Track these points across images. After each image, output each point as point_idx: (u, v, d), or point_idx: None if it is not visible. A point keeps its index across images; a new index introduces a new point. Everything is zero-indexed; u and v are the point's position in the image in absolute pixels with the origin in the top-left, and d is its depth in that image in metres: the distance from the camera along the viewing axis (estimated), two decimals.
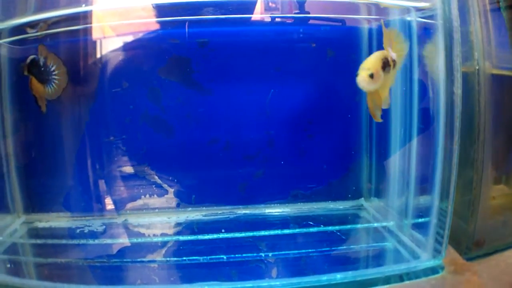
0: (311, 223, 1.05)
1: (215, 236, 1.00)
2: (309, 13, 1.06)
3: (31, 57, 0.95)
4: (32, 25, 0.96)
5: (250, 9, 1.05)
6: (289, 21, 1.10)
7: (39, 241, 1.00)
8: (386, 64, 0.80)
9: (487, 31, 0.89)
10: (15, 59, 1.01)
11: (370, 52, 1.05)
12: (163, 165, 1.10)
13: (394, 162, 0.98)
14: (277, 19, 1.09)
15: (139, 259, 0.93)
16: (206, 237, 1.00)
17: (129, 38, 1.04)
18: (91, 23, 0.99)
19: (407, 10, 0.90)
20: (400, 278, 0.82)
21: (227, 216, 1.11)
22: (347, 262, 0.91)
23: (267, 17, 1.07)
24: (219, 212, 1.11)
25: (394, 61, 0.82)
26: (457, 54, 0.80)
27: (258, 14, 1.06)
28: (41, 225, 1.07)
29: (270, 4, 1.06)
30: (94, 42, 1.02)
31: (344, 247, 0.97)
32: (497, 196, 0.97)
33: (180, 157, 1.10)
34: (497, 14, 0.95)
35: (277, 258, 0.92)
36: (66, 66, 0.99)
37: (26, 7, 0.95)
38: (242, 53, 1.06)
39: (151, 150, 1.08)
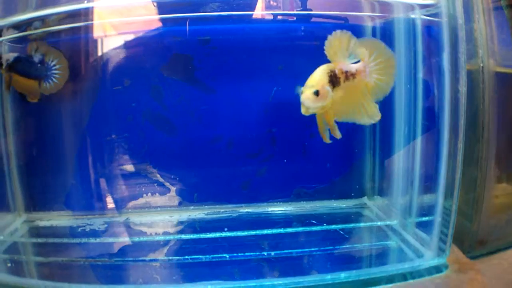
0: (314, 221, 1.05)
1: (217, 234, 0.99)
2: (311, 11, 1.05)
3: (13, 55, 0.94)
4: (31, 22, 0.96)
5: (253, 6, 1.04)
6: (291, 19, 1.09)
7: (40, 240, 0.99)
8: (333, 78, 0.71)
9: (490, 29, 0.89)
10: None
11: None
12: (165, 163, 1.09)
13: (398, 160, 0.97)
14: (279, 17, 1.09)
15: (141, 258, 0.92)
16: (208, 235, 0.99)
17: (131, 36, 1.04)
18: (93, 20, 0.99)
19: (411, 7, 0.90)
20: (404, 277, 0.82)
21: (229, 214, 1.10)
22: (350, 261, 0.91)
23: (269, 15, 1.07)
24: (222, 210, 1.11)
25: (346, 72, 0.73)
26: (462, 51, 0.79)
27: (260, 12, 1.05)
28: (42, 224, 1.06)
29: (272, 2, 1.06)
30: (96, 40, 1.02)
31: (347, 246, 0.96)
32: (500, 195, 0.97)
33: (182, 155, 1.09)
34: (500, 12, 0.95)
35: (279, 257, 0.91)
36: (68, 60, 0.98)
37: (27, 4, 0.94)
38: (244, 51, 1.06)
39: (153, 148, 1.08)
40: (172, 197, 1.11)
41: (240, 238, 0.98)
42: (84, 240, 0.98)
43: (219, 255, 0.90)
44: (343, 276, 0.80)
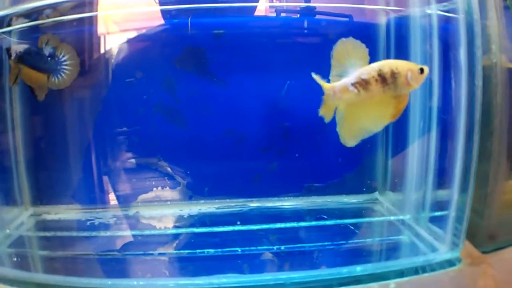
0: (324, 216, 1.05)
1: (228, 228, 0.98)
2: (326, 5, 1.05)
3: (23, 46, 0.92)
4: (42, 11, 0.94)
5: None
6: (306, 12, 1.09)
7: (47, 234, 0.97)
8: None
9: (503, 25, 0.90)
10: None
11: (387, 45, 1.05)
12: (176, 157, 1.08)
13: (413, 154, 0.97)
14: (294, 11, 1.08)
15: (150, 252, 0.91)
16: (219, 229, 0.98)
17: (144, 28, 1.03)
18: (105, 11, 0.97)
19: (427, 1, 0.90)
20: (419, 270, 0.82)
21: (240, 209, 1.09)
22: (362, 255, 0.91)
23: (283, 8, 1.06)
24: (232, 204, 1.10)
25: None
26: (478, 46, 0.80)
27: (274, 4, 1.04)
28: (49, 217, 1.05)
29: None
30: (108, 32, 1.00)
31: (359, 240, 0.96)
32: (509, 191, 0.97)
33: (193, 149, 1.09)
34: (507, 11, 0.96)
35: (290, 251, 0.91)
36: (80, 57, 0.96)
37: None
38: (257, 44, 1.05)
39: (164, 141, 1.07)
40: (182, 190, 1.10)
41: (250, 232, 0.98)
42: (93, 233, 0.97)
43: (231, 249, 0.90)
44: (359, 269, 0.80)
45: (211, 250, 0.89)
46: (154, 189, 1.09)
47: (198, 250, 0.90)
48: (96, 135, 1.04)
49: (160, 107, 1.05)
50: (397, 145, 1.05)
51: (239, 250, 0.90)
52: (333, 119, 0.75)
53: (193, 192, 1.11)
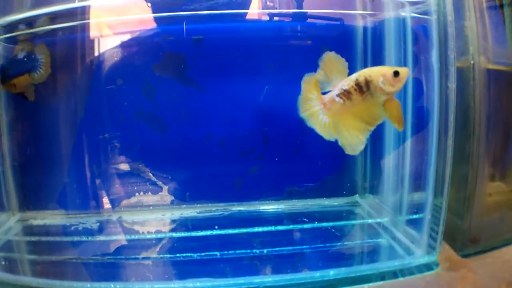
0: (305, 219, 1.05)
1: (208, 233, 0.99)
2: (303, 10, 1.05)
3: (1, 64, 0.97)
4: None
5: (245, 5, 1.05)
6: (284, 18, 1.09)
7: (33, 239, 1.00)
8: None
9: (483, 26, 0.89)
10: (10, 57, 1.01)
11: (364, 49, 1.05)
12: (157, 162, 1.09)
13: (389, 158, 0.97)
14: (272, 16, 1.09)
15: (133, 256, 0.92)
16: (200, 234, 0.99)
17: (123, 35, 1.05)
18: (85, 19, 0.99)
19: (401, 4, 0.90)
20: (394, 274, 0.82)
21: (221, 213, 1.10)
22: (341, 259, 0.91)
23: (262, 14, 1.07)
24: (214, 209, 1.11)
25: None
26: (452, 48, 0.79)
27: (253, 11, 1.05)
28: (35, 222, 1.07)
29: (269, 2, 1.06)
30: (88, 39, 1.02)
31: (339, 243, 0.96)
32: (493, 193, 0.96)
33: (174, 154, 1.10)
34: (495, 11, 0.95)
35: (271, 254, 0.91)
36: (48, 49, 0.99)
37: (22, 3, 0.95)
38: (237, 50, 1.06)
39: (146, 147, 1.08)
40: (164, 195, 1.11)
41: (232, 236, 0.98)
42: (76, 238, 0.99)
43: (211, 253, 0.90)
44: (332, 273, 0.80)
45: (194, 254, 0.90)
46: (137, 194, 1.11)
47: (180, 254, 0.91)
48: (79, 142, 1.06)
49: (141, 114, 1.07)
50: (375, 148, 1.05)
51: (218, 254, 0.90)
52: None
53: (175, 197, 1.12)
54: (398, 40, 0.91)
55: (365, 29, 1.05)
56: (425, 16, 0.83)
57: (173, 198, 1.12)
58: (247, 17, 1.07)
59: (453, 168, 0.81)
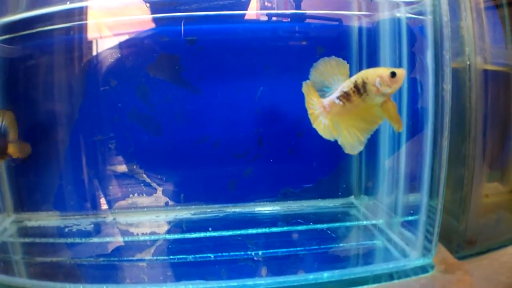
0: (300, 221, 1.04)
1: (203, 234, 0.99)
2: (298, 10, 1.05)
3: None
4: None
5: (241, 6, 1.04)
6: (279, 18, 1.09)
7: (28, 240, 0.99)
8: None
9: (480, 26, 0.88)
10: (6, 58, 1.00)
11: (360, 49, 1.04)
12: (152, 164, 1.09)
13: (384, 159, 0.97)
14: (267, 17, 1.08)
15: (127, 258, 0.92)
16: (195, 235, 0.99)
17: (118, 36, 1.04)
18: (79, 21, 0.99)
19: (396, 5, 0.89)
20: (390, 276, 0.81)
21: (216, 214, 1.10)
22: (336, 260, 0.90)
23: (256, 15, 1.07)
24: (208, 210, 1.11)
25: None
26: (447, 49, 0.79)
27: (247, 12, 1.05)
28: (30, 224, 1.06)
29: (267, 3, 1.06)
30: (82, 40, 1.02)
31: (334, 245, 0.95)
32: (490, 194, 0.96)
33: (169, 155, 1.09)
34: (493, 11, 0.94)
35: (266, 256, 0.91)
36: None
37: (17, 4, 0.95)
38: (231, 51, 1.06)
39: (140, 149, 1.08)
40: (158, 197, 1.11)
41: (226, 238, 0.98)
42: (71, 240, 0.98)
43: (205, 255, 0.90)
44: (325, 275, 0.79)
45: (188, 256, 0.89)
46: (131, 196, 1.10)
47: (175, 256, 0.91)
48: (73, 143, 1.06)
49: (135, 115, 1.06)
50: (370, 150, 1.04)
51: (212, 256, 0.90)
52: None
53: (169, 199, 1.11)
54: (393, 41, 0.91)
55: (360, 29, 1.05)
56: (421, 17, 0.83)
57: (167, 199, 1.11)
58: (242, 18, 1.06)
59: (449, 169, 0.81)
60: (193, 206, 1.11)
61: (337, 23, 1.06)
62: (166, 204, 1.11)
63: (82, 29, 1.01)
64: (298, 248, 0.93)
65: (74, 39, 1.02)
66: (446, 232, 0.86)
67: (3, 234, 1.00)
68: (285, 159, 1.11)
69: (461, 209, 0.87)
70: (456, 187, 0.87)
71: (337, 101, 0.73)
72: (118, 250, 0.96)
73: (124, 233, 1.03)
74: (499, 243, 0.92)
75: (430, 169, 0.81)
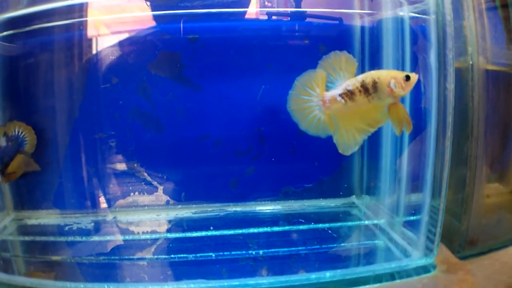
0: (302, 220, 1.04)
1: (204, 233, 0.98)
2: (300, 9, 1.04)
3: None
4: None
5: (243, 4, 1.04)
6: (281, 17, 1.09)
7: (28, 238, 0.99)
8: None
9: (482, 26, 0.88)
10: (6, 55, 1.00)
11: (362, 48, 1.04)
12: (152, 162, 1.08)
13: (386, 159, 0.96)
14: (268, 15, 1.08)
15: (128, 257, 0.92)
16: (195, 234, 0.98)
17: (119, 34, 1.04)
18: (80, 18, 0.98)
19: (399, 3, 0.89)
20: (391, 276, 0.81)
21: (217, 213, 1.09)
22: (338, 260, 0.90)
23: (258, 13, 1.06)
24: (209, 209, 1.10)
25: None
26: (450, 48, 0.78)
27: (249, 9, 1.04)
28: (30, 222, 1.06)
29: (267, 2, 1.05)
30: (83, 38, 1.01)
31: (335, 245, 0.95)
32: (491, 194, 0.96)
33: (170, 154, 1.09)
34: (494, 12, 0.94)
35: (267, 256, 0.90)
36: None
37: (18, 1, 0.94)
38: (233, 49, 1.05)
39: (141, 147, 1.07)
40: (159, 196, 1.10)
41: (227, 237, 0.98)
42: (71, 238, 0.98)
43: (206, 254, 0.89)
44: (328, 275, 0.79)
45: (189, 255, 0.89)
46: (132, 194, 1.10)
47: (175, 255, 0.90)
48: (74, 141, 1.05)
49: (136, 113, 1.06)
50: (372, 149, 1.04)
51: (213, 255, 0.89)
52: None
53: (170, 197, 1.11)
54: (396, 40, 0.90)
55: (362, 28, 1.04)
56: (424, 16, 0.82)
57: (168, 198, 1.11)
58: (244, 16, 1.06)
59: (451, 169, 0.81)
60: (194, 205, 1.11)
61: (339, 21, 1.06)
62: (167, 202, 1.11)
63: (83, 26, 1.01)
64: (300, 248, 0.93)
65: (75, 36, 1.02)
66: (448, 232, 0.86)
67: (3, 232, 1.00)
68: (286, 158, 1.10)
69: (463, 209, 0.87)
70: (458, 187, 0.87)
71: (339, 98, 0.72)
72: (118, 249, 0.96)
73: (124, 231, 1.03)
74: (501, 243, 0.92)
75: (433, 169, 0.81)
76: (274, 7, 1.07)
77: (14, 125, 0.97)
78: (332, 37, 1.07)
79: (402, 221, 0.91)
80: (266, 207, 1.12)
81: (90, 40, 1.02)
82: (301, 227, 1.02)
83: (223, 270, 0.86)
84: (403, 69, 0.89)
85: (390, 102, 0.72)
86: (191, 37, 1.04)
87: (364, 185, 1.11)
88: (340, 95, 0.72)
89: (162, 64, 1.04)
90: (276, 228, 1.01)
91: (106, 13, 1.02)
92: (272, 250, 0.92)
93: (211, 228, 0.99)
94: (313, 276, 0.79)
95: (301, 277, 0.80)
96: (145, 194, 1.10)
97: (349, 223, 1.04)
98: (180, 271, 0.87)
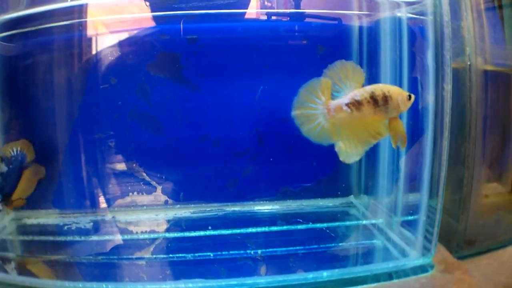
0: (300, 220, 1.05)
1: (202, 233, 0.99)
2: (299, 9, 1.05)
3: None
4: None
5: (242, 5, 1.04)
6: (280, 17, 1.09)
7: (27, 238, 0.99)
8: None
9: (480, 27, 0.88)
10: (6, 56, 1.00)
11: (360, 49, 1.04)
12: (151, 162, 1.09)
13: (384, 159, 0.97)
14: (267, 16, 1.08)
15: (126, 256, 0.92)
16: (194, 234, 0.99)
17: (118, 34, 1.04)
18: (79, 18, 0.99)
19: (397, 4, 0.89)
20: (389, 276, 0.81)
21: (215, 213, 1.10)
22: (335, 260, 0.90)
23: (257, 14, 1.07)
24: (208, 209, 1.11)
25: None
26: (447, 49, 0.79)
27: (248, 10, 1.05)
28: (29, 222, 1.06)
29: (261, 1, 1.06)
30: (82, 38, 1.02)
31: (333, 244, 0.95)
32: (490, 194, 0.96)
33: (168, 154, 1.09)
34: (493, 12, 0.94)
35: (265, 255, 0.91)
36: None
37: (18, 2, 0.95)
38: (231, 50, 1.06)
39: (140, 147, 1.08)
40: (158, 195, 1.10)
41: (226, 237, 0.98)
42: (70, 238, 0.98)
43: (204, 254, 0.90)
44: (325, 275, 0.79)
45: (187, 255, 0.89)
46: (130, 194, 1.10)
47: (174, 255, 0.91)
48: (73, 141, 1.06)
49: (135, 113, 1.06)
50: (370, 149, 1.04)
51: (212, 255, 0.90)
52: None
53: (169, 197, 1.11)
54: (394, 41, 0.91)
55: (361, 29, 1.05)
56: (421, 17, 0.83)
57: (167, 198, 1.11)
58: (243, 17, 1.06)
59: (449, 169, 0.81)
60: (192, 205, 1.11)
61: (337, 22, 1.06)
62: (166, 202, 1.11)
63: (83, 27, 1.01)
64: (298, 247, 0.93)
65: (75, 37, 1.02)
66: (445, 232, 0.86)
67: (2, 232, 1.00)
68: (285, 158, 1.11)
69: (460, 209, 0.87)
70: (456, 187, 0.87)
71: (345, 107, 0.72)
72: (117, 249, 0.96)
73: (123, 231, 1.03)
74: (499, 243, 0.93)
75: (430, 169, 0.81)
76: (274, 8, 1.07)
77: (10, 147, 0.93)
78: (330, 38, 1.08)
79: (400, 221, 0.91)
80: (265, 207, 1.12)
81: (89, 40, 1.03)
82: (299, 226, 1.02)
83: (222, 270, 0.87)
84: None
85: (392, 116, 0.73)
86: (190, 38, 1.04)
87: (362, 185, 1.12)
88: (346, 104, 0.72)
89: (161, 64, 1.04)
90: (274, 228, 1.01)
91: (105, 14, 1.03)
92: (270, 249, 0.92)
93: (210, 227, 1.00)
94: (311, 276, 0.79)
95: (299, 276, 0.80)
96: (144, 194, 1.10)
97: (347, 223, 1.04)
98: (179, 270, 0.88)
